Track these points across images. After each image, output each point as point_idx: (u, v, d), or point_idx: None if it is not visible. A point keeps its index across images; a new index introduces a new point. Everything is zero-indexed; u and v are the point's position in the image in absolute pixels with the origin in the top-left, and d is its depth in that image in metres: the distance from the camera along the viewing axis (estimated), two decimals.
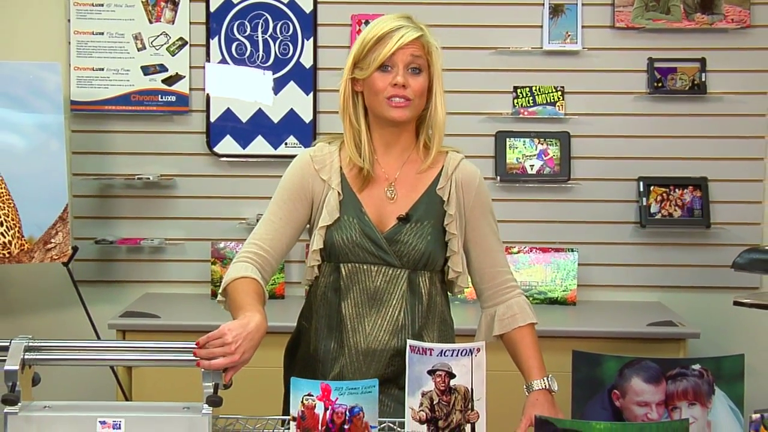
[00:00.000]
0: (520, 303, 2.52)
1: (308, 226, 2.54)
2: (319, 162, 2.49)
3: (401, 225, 2.43)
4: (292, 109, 4.39)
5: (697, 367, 1.99)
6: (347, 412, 2.07)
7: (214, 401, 2.17)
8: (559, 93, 4.38)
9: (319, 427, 2.07)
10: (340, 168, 2.48)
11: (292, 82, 4.39)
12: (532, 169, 4.38)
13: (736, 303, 3.54)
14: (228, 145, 4.40)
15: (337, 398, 2.07)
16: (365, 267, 2.44)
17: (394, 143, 2.47)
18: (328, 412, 2.06)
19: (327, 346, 2.49)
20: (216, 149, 4.40)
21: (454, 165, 2.49)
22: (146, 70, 4.38)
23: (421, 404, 1.95)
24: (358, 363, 2.45)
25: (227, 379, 2.18)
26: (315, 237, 2.46)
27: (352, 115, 2.46)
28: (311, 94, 4.39)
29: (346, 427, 2.06)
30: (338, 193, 2.45)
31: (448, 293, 2.59)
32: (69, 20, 4.37)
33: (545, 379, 2.39)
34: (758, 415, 1.88)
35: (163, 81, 4.39)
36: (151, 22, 4.38)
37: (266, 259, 2.45)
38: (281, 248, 2.48)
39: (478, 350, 1.96)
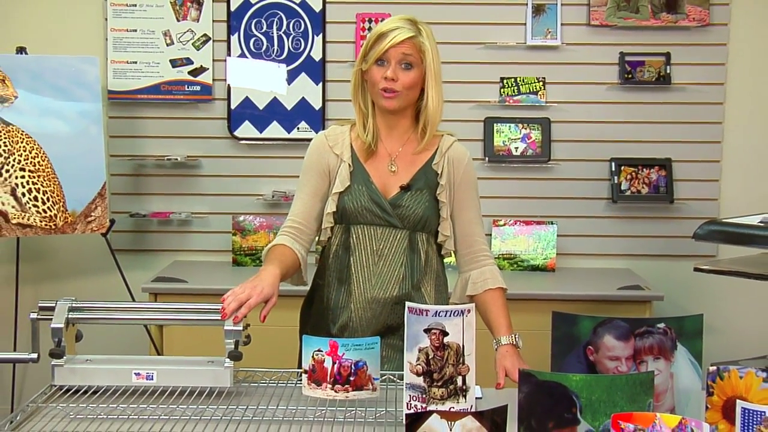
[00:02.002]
0: (492, 270, 2.56)
1: None
2: (333, 140, 2.56)
3: (403, 193, 2.50)
4: (303, 97, 4.38)
5: (661, 325, 1.99)
6: (352, 366, 2.07)
7: (235, 356, 2.19)
8: (541, 83, 4.36)
9: (328, 379, 2.07)
10: (351, 145, 2.54)
11: (303, 74, 4.38)
12: (516, 151, 4.37)
13: (696, 269, 3.51)
14: (247, 129, 4.39)
15: (344, 353, 2.07)
16: (372, 228, 2.50)
17: (395, 126, 2.54)
18: (335, 366, 2.07)
19: (337, 296, 2.54)
20: (236, 133, 4.39)
21: (447, 145, 2.55)
22: (174, 63, 4.37)
23: (418, 359, 1.95)
24: (363, 310, 2.49)
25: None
26: (329, 202, 2.53)
27: (361, 101, 2.54)
28: (320, 84, 4.37)
29: (351, 378, 2.07)
30: (348, 165, 2.52)
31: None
32: (106, 19, 4.35)
33: (512, 335, 2.43)
34: (715, 368, 1.88)
35: (189, 73, 4.37)
36: (178, 20, 4.36)
37: (300, 229, 2.52)
38: (312, 218, 2.55)
39: (469, 311, 1.96)
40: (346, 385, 2.07)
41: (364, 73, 2.49)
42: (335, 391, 2.07)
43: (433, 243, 2.56)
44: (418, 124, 2.54)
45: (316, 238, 2.60)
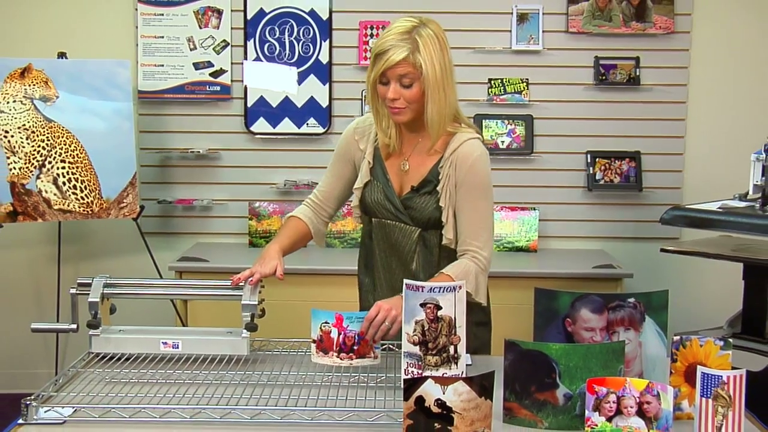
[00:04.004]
0: (462, 262, 2.28)
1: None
2: (360, 133, 2.44)
3: (414, 193, 2.35)
4: (312, 96, 4.36)
5: (631, 300, 1.99)
6: (356, 336, 2.07)
7: (251, 327, 2.19)
8: (525, 84, 4.35)
9: (334, 348, 2.08)
10: (376, 139, 2.40)
11: (312, 75, 4.36)
12: (503, 144, 4.37)
13: (662, 250, 3.54)
14: (261, 125, 4.38)
15: (348, 325, 2.08)
16: (388, 223, 2.39)
17: (411, 127, 2.36)
18: (341, 336, 2.07)
19: (364, 280, 2.51)
20: (252, 128, 4.38)
21: (455, 146, 2.32)
22: (197, 66, 4.35)
23: (415, 330, 1.95)
24: (386, 297, 2.36)
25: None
26: (354, 195, 2.46)
27: (378, 105, 2.32)
28: (327, 85, 4.36)
29: (355, 348, 2.07)
30: (369, 162, 2.40)
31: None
32: (137, 26, 4.33)
33: None
34: (678, 337, 1.89)
35: (210, 74, 4.36)
36: (200, 28, 4.34)
37: (318, 204, 2.50)
38: (332, 197, 2.50)
39: (460, 288, 1.96)
40: (351, 354, 2.07)
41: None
42: (340, 359, 2.07)
43: None
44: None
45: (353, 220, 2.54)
